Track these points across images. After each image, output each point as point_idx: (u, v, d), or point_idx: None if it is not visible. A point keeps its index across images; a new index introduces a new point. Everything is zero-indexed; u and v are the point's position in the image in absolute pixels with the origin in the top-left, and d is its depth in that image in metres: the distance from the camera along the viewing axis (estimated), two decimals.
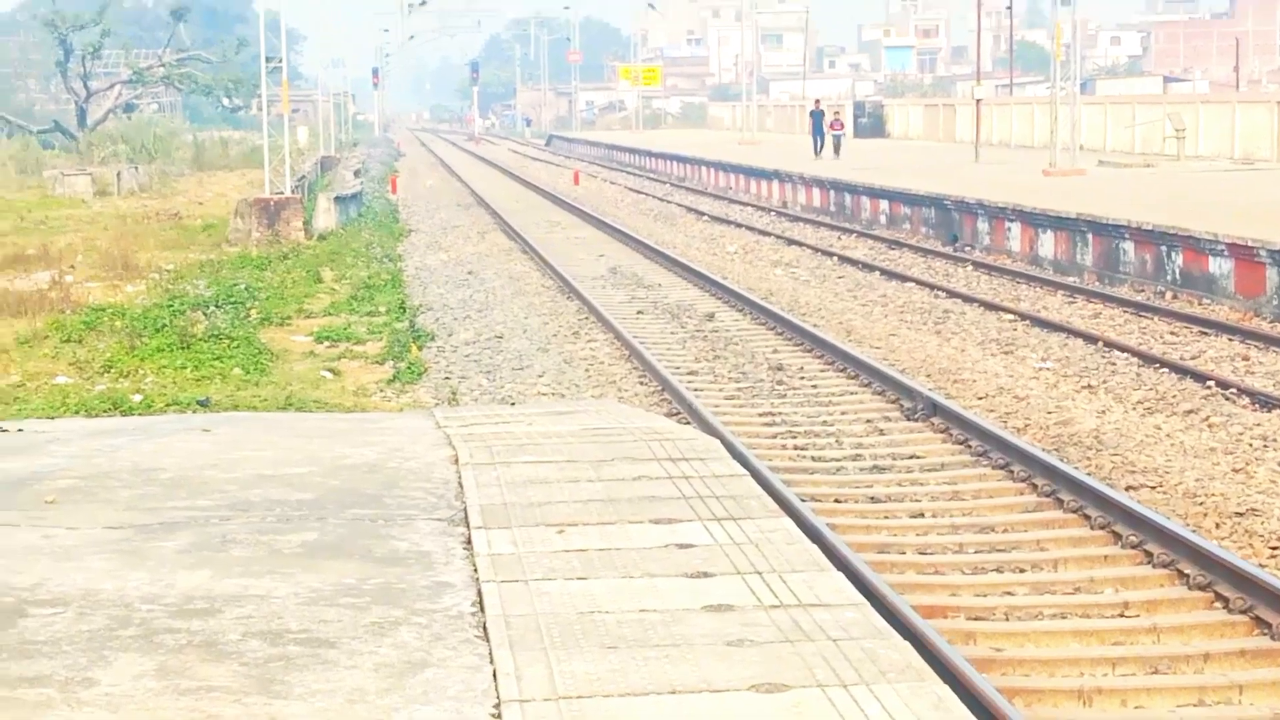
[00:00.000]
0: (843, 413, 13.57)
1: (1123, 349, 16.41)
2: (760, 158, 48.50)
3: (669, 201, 42.69)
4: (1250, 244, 19.19)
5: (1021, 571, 9.13)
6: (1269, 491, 10.66)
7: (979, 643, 7.96)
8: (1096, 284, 22.31)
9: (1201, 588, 8.53)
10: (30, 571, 6.60)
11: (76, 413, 13.01)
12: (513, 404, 13.59)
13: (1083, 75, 50.63)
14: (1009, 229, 26.31)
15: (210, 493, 7.98)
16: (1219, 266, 19.89)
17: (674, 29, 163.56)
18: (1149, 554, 9.08)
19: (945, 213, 29.29)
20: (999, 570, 9.17)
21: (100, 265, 24.90)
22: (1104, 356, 16.16)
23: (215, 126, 79.91)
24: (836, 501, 10.71)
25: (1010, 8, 75.58)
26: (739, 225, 34.10)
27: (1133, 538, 9.30)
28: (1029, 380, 15.02)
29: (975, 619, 8.34)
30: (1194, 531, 9.41)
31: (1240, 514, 10.14)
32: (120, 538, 7.13)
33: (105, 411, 13.10)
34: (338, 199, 35.17)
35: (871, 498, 10.82)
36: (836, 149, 47.62)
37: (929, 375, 15.28)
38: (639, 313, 20.21)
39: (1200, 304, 19.71)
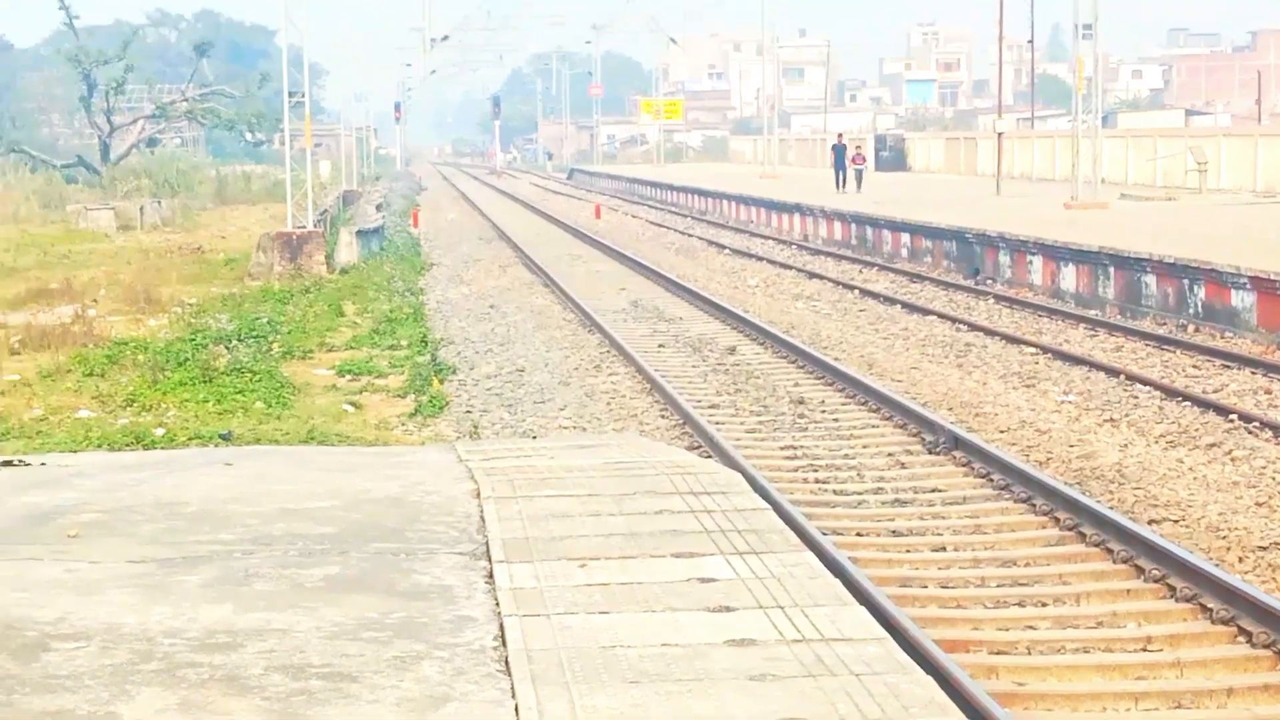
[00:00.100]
0: (864, 446, 13.56)
1: (1145, 382, 16.37)
2: (781, 191, 48.55)
3: (690, 235, 42.75)
4: (1273, 277, 19.14)
5: (1044, 605, 9.10)
6: None
7: (1001, 677, 7.93)
8: (1118, 317, 22.27)
9: (1225, 622, 8.49)
10: (53, 605, 6.61)
11: (99, 446, 13.06)
12: (534, 437, 13.60)
13: (1104, 108, 50.62)
14: (1031, 262, 26.28)
15: (233, 526, 8.00)
16: (1241, 300, 19.84)
17: (695, 63, 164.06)
18: (1172, 588, 9.05)
19: (967, 246, 29.27)
20: (1021, 604, 9.14)
21: (123, 299, 25.01)
22: (1126, 390, 16.12)
23: (238, 161, 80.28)
24: (858, 535, 10.70)
25: (1031, 41, 75.65)
26: (760, 259, 34.12)
27: (1155, 571, 9.27)
28: (1051, 414, 14.99)
29: (998, 653, 8.32)
30: (1217, 566, 9.37)
31: (1264, 548, 10.09)
32: (143, 572, 7.15)
33: (128, 445, 13.15)
34: (360, 233, 35.29)
35: (893, 531, 10.80)
36: (858, 183, 47.67)
37: (951, 409, 15.26)
38: (660, 346, 20.23)
39: (1223, 337, 19.66)
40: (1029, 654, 8.31)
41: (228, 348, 18.93)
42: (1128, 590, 9.21)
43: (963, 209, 34.93)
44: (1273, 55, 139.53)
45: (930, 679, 5.63)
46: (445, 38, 69.33)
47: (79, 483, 9.26)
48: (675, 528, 7.83)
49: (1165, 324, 21.13)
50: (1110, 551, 9.80)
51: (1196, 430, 13.93)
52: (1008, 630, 8.67)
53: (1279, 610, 8.23)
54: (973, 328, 21.33)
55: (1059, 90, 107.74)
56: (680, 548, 7.43)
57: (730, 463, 11.79)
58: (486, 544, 7.59)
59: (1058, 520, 10.59)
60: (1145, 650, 8.32)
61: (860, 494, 11.87)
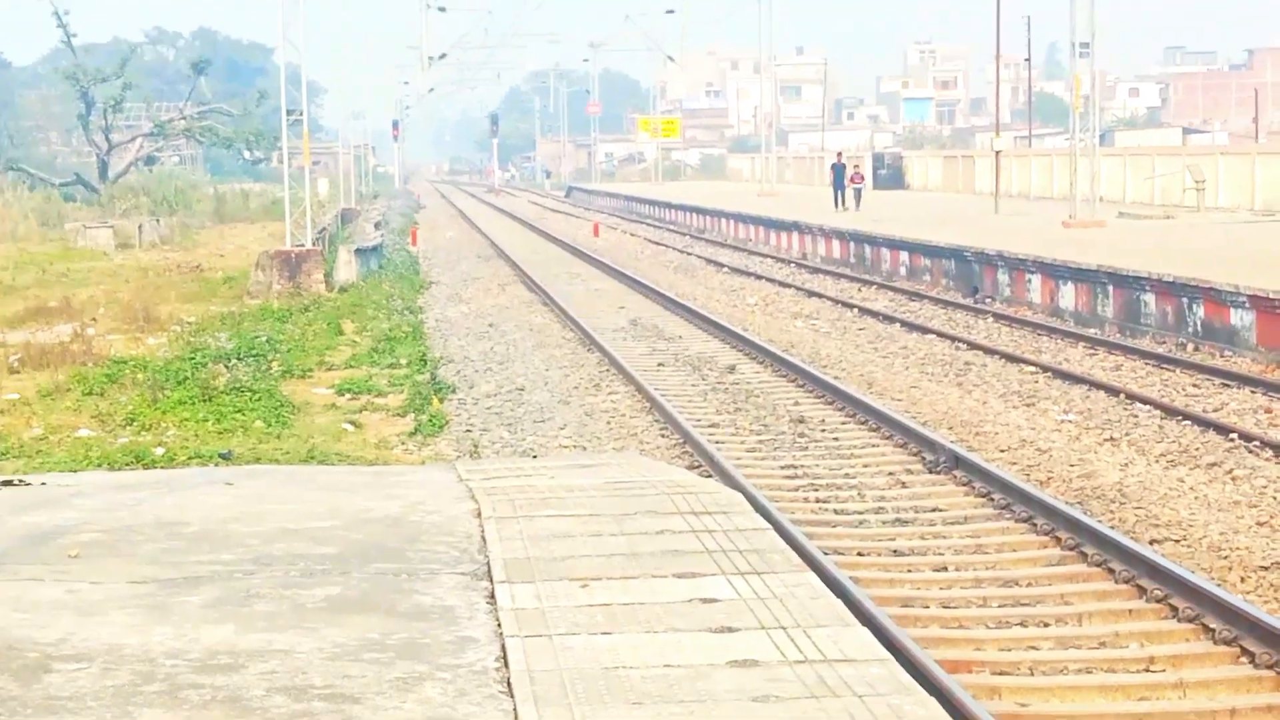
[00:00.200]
0: (865, 465, 13.56)
1: (1145, 401, 16.38)
2: (779, 209, 48.63)
3: (689, 253, 42.80)
4: (1272, 296, 19.16)
5: (1046, 625, 9.10)
6: None
7: (1004, 697, 7.92)
8: (1118, 336, 22.29)
9: (1227, 642, 8.49)
10: (55, 626, 6.61)
11: (99, 466, 13.06)
12: (534, 457, 13.61)
13: (1101, 127, 50.77)
14: (1030, 281, 26.31)
15: (233, 547, 7.99)
16: (1240, 318, 19.86)
17: (693, 81, 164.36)
18: (1174, 608, 9.04)
19: (965, 264, 29.31)
20: (1023, 624, 9.13)
21: (122, 318, 25.03)
22: (1126, 409, 16.13)
23: (236, 179, 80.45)
24: (860, 555, 10.69)
25: (1029, 60, 75.95)
26: (759, 277, 34.16)
27: (1158, 592, 9.27)
28: (1051, 433, 15.00)
29: (1000, 673, 8.31)
30: (1219, 586, 9.37)
31: (1265, 568, 10.09)
32: (144, 592, 7.15)
33: (128, 465, 13.15)
34: (358, 251, 35.34)
35: (895, 551, 10.79)
36: (857, 201, 47.77)
37: (951, 428, 15.26)
38: (660, 365, 20.24)
39: (1222, 356, 19.67)
40: (1031, 674, 8.30)
41: (227, 366, 18.93)
42: (1130, 610, 9.21)
43: (961, 227, 34.99)
44: (1270, 73, 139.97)
45: (933, 700, 5.62)
46: (443, 56, 69.45)
47: (79, 502, 9.26)
48: (677, 548, 7.82)
49: (1164, 343, 21.15)
50: (1112, 571, 9.80)
51: (1197, 449, 13.94)
52: (1010, 651, 8.66)
53: None
54: (972, 346, 21.35)
55: (1056, 108, 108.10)
56: (682, 568, 7.42)
57: (731, 482, 11.79)
58: (488, 564, 7.58)
59: (1059, 540, 10.59)
60: (1148, 671, 8.32)
61: (861, 513, 11.86)
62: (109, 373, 18.36)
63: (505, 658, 6.13)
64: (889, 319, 25.00)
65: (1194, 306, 20.99)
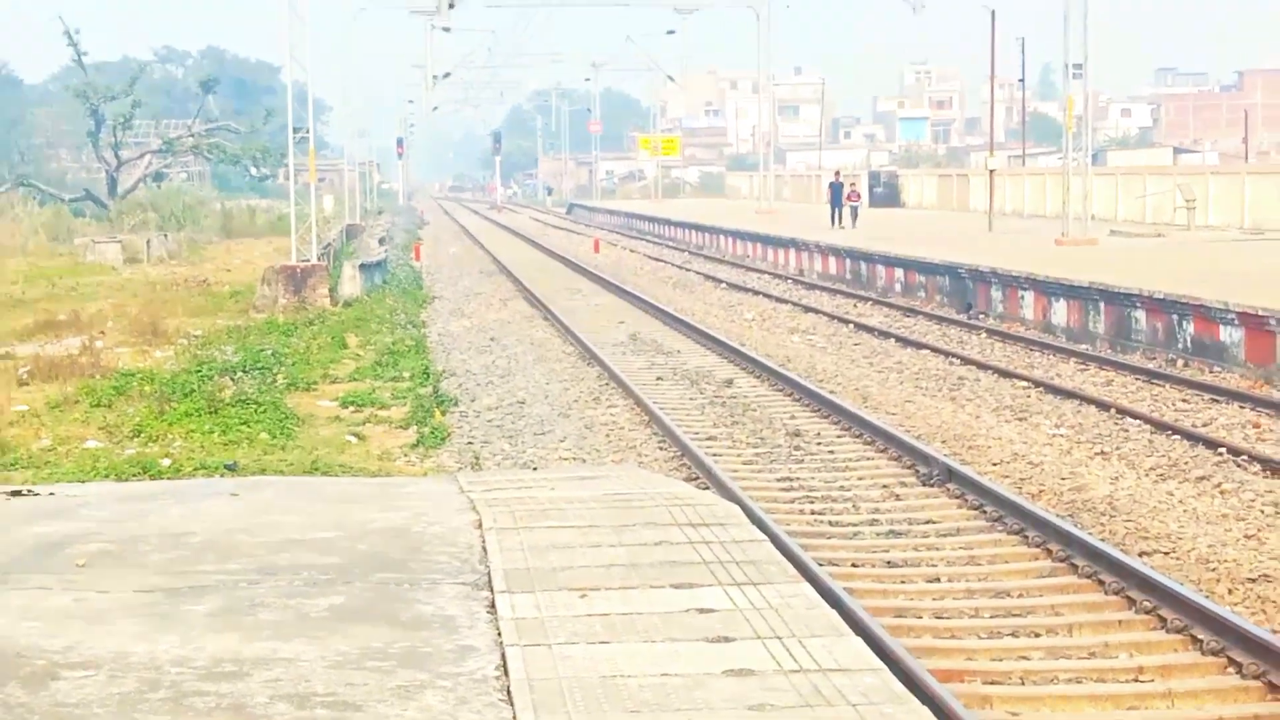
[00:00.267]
0: (859, 478, 13.69)
1: (1135, 416, 16.52)
2: (777, 226, 48.74)
3: (688, 269, 42.92)
4: (1260, 313, 19.30)
5: (1037, 636, 9.22)
6: None
7: (995, 707, 8.05)
8: (1109, 352, 22.42)
9: (1215, 653, 8.61)
10: (63, 634, 6.71)
11: (106, 477, 13.17)
12: (535, 469, 13.72)
13: (1094, 146, 50.78)
14: (1023, 297, 26.46)
15: (239, 557, 8.10)
16: (1229, 335, 20.01)
17: (692, 100, 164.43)
18: (1163, 619, 9.17)
19: (960, 281, 29.44)
20: (1015, 635, 9.26)
21: (130, 331, 25.15)
22: (1116, 423, 16.27)
23: (243, 195, 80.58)
24: (854, 566, 10.82)
25: (1023, 80, 76.03)
26: (756, 293, 34.28)
27: (1146, 603, 9.40)
28: (1043, 447, 15.13)
29: (992, 683, 8.43)
30: (1207, 597, 9.50)
31: (1253, 580, 10.22)
32: (150, 601, 7.26)
33: (135, 476, 13.26)
34: (362, 266, 35.47)
35: (889, 562, 10.92)
36: (853, 218, 47.90)
37: (944, 441, 15.39)
38: (659, 379, 20.37)
39: (1211, 372, 19.81)
40: (1023, 684, 8.43)
41: (233, 379, 19.06)
42: (1119, 621, 9.33)
43: (955, 244, 35.12)
44: (1259, 94, 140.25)
45: (926, 709, 5.73)
46: (447, 75, 69.64)
47: (87, 513, 9.38)
48: (674, 559, 7.94)
49: (1155, 358, 21.28)
50: (1102, 583, 9.93)
51: (1186, 463, 14.07)
52: (1001, 661, 8.78)
53: (1268, 641, 8.36)
54: (966, 361, 21.48)
55: (1049, 128, 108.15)
56: (679, 578, 7.54)
57: (728, 494, 11.91)
58: (488, 574, 7.70)
59: (1050, 552, 10.72)
60: (1137, 681, 8.44)
61: (856, 525, 11.99)
62: (117, 385, 18.48)
63: (505, 666, 6.23)
64: (884, 334, 25.12)
65: (1184, 323, 21.13)
